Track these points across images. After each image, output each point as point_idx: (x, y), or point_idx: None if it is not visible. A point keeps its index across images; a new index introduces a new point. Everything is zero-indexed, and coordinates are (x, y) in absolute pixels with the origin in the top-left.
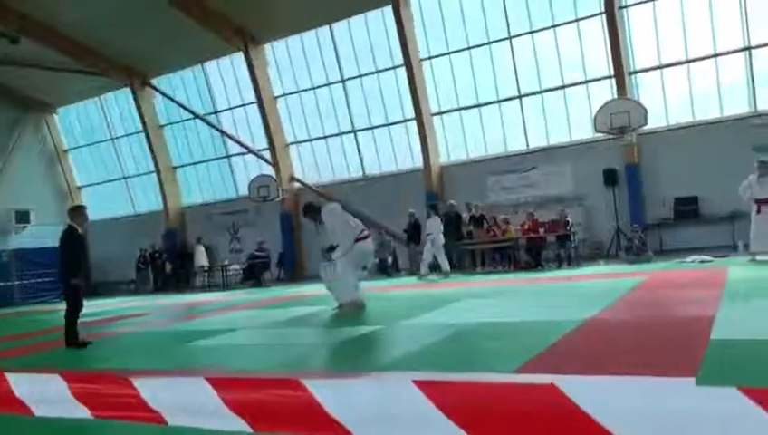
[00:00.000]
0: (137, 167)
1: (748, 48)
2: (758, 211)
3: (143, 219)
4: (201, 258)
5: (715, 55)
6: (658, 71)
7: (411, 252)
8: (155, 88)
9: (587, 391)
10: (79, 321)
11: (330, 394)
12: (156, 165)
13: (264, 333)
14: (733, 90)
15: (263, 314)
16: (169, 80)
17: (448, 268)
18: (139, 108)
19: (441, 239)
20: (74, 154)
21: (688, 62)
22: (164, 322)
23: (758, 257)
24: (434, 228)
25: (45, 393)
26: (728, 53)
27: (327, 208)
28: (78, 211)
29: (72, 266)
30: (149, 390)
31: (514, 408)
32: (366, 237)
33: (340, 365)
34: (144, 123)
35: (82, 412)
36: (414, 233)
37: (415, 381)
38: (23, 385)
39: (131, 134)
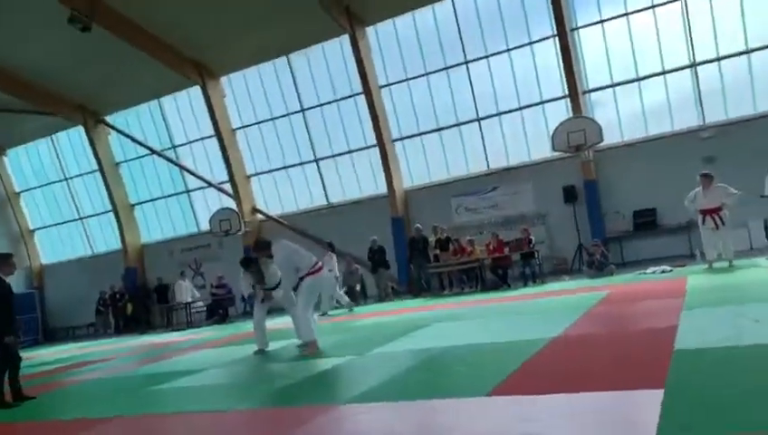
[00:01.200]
0: (93, 206)
1: (693, 65)
2: (703, 221)
3: (101, 260)
4: (184, 293)
5: (663, 72)
6: (611, 89)
7: (377, 279)
8: (109, 125)
9: None
10: (20, 374)
11: None
12: (113, 203)
13: (232, 371)
14: (682, 104)
15: (230, 352)
16: (125, 116)
17: (348, 301)
18: (93, 146)
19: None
20: (26, 196)
21: (638, 79)
22: (129, 365)
23: (714, 265)
24: (330, 266)
25: None
26: (675, 69)
27: (278, 244)
28: (4, 261)
29: (2, 322)
30: None
31: None
32: (318, 270)
33: (313, 400)
34: (99, 161)
35: None
36: (380, 258)
37: None
38: None
39: (86, 173)
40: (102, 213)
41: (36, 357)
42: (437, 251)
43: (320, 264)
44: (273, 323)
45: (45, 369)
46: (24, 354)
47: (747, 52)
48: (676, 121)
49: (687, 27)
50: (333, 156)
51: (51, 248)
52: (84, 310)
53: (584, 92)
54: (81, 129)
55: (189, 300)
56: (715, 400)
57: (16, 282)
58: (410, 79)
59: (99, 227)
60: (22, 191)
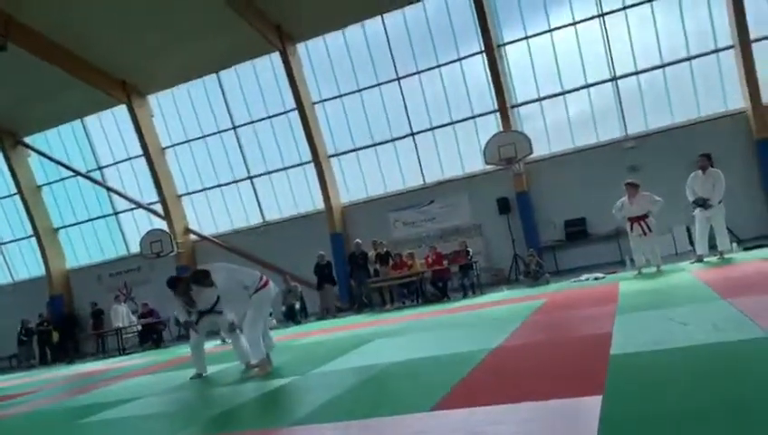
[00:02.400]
0: (12, 231)
1: (614, 78)
2: (631, 228)
3: (23, 287)
4: (121, 318)
5: (587, 86)
6: (538, 102)
7: (322, 295)
8: (29, 146)
9: None
10: None
11: None
12: (34, 228)
13: (168, 398)
14: (605, 116)
15: (165, 378)
16: (45, 136)
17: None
18: (11, 169)
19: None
20: None
21: (563, 93)
22: (55, 397)
23: (643, 271)
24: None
25: None
26: (598, 83)
27: (216, 267)
28: None
29: None
30: None
31: None
32: (265, 285)
33: (253, 425)
34: (18, 185)
35: None
36: (327, 274)
37: None
38: None
39: (4, 197)
40: (23, 238)
41: None
42: (377, 266)
43: (265, 278)
44: (211, 345)
45: None
46: None
47: (662, 66)
48: (601, 133)
49: (607, 42)
50: (268, 173)
51: None
52: (5, 341)
53: (512, 106)
54: None
55: (126, 325)
56: (651, 403)
57: None
58: (343, 95)
59: (19, 252)
60: None
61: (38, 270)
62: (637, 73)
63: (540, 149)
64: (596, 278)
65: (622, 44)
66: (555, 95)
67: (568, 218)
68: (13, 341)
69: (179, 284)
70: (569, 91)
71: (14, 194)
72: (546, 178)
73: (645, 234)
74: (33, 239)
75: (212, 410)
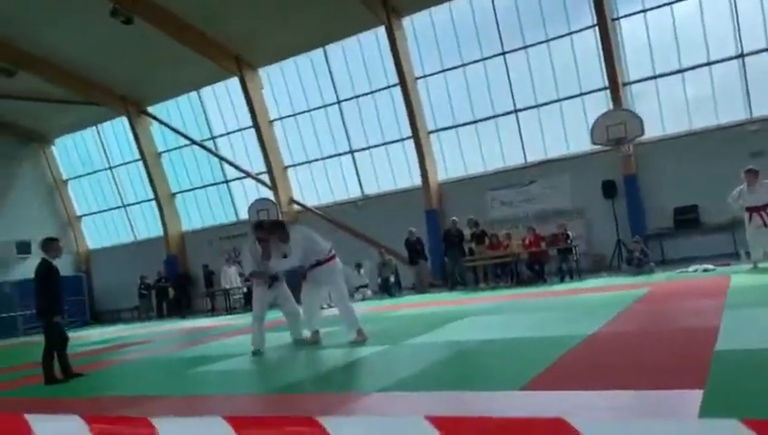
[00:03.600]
0: (135, 194)
1: (741, 55)
2: (750, 219)
3: (144, 246)
4: (231, 279)
5: (709, 63)
6: (653, 80)
7: (416, 271)
8: (151, 116)
9: (596, 429)
10: (69, 352)
11: (345, 433)
12: (155, 192)
13: (270, 356)
14: (728, 97)
15: (268, 337)
16: (165, 106)
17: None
18: (136, 136)
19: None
20: (73, 184)
21: (682, 70)
22: (170, 348)
23: (760, 265)
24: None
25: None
26: (722, 60)
27: (295, 228)
28: (51, 244)
29: (50, 302)
30: (168, 430)
31: None
32: (333, 258)
33: (345, 388)
34: (141, 151)
35: None
36: (420, 250)
37: (428, 418)
38: (43, 426)
39: (129, 162)
40: (145, 201)
41: (85, 337)
42: (473, 245)
43: (333, 252)
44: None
45: (94, 348)
46: (72, 334)
47: None
48: (722, 115)
49: (735, 15)
50: (369, 148)
51: (97, 234)
52: (129, 294)
53: (625, 84)
54: (124, 119)
55: (234, 286)
56: (756, 402)
57: (64, 265)
58: (447, 70)
59: (141, 214)
60: (69, 179)
61: (157, 231)
62: None
63: (652, 130)
64: (705, 270)
65: (753, 17)
66: (672, 73)
67: (678, 205)
68: (134, 294)
69: (265, 226)
70: (688, 69)
71: (138, 160)
72: (657, 162)
73: (765, 225)
74: (154, 202)
75: (307, 371)
